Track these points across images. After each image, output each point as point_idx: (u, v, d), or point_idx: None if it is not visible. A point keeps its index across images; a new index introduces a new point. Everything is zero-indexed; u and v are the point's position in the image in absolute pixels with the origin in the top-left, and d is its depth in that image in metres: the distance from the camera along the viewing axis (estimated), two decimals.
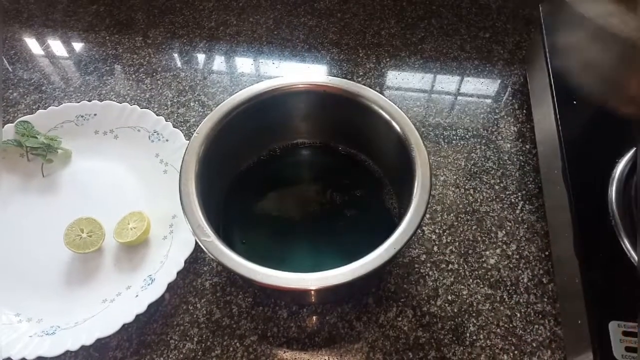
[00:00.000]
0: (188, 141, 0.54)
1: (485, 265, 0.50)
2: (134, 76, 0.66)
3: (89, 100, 0.59)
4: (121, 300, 0.47)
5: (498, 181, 0.56)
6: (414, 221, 0.39)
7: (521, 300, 0.48)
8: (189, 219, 0.39)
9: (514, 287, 0.49)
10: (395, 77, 0.66)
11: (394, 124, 0.45)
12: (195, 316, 0.47)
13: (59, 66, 0.67)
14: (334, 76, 0.65)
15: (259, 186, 0.51)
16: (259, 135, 0.51)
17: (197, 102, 0.63)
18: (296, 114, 0.51)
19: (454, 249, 0.51)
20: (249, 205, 0.50)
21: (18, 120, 0.56)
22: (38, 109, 0.60)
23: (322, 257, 0.47)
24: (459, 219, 0.53)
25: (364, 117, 0.47)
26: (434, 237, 0.52)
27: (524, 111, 0.62)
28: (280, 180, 0.52)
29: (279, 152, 0.53)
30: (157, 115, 0.58)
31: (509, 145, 0.59)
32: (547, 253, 0.51)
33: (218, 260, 0.37)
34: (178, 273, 0.47)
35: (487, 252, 0.51)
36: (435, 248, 0.51)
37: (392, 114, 0.45)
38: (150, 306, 0.45)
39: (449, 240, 0.52)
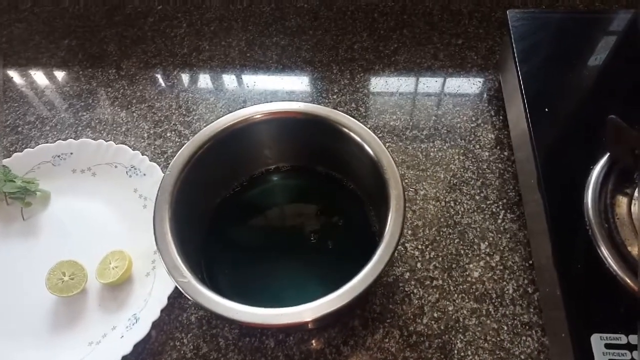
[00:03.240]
0: None
1: (469, 278, 0.50)
2: (109, 110, 0.66)
3: (65, 139, 0.59)
4: (107, 342, 0.47)
5: (478, 191, 0.56)
6: (391, 244, 0.39)
7: (507, 312, 0.48)
8: (164, 260, 0.39)
9: (499, 299, 0.49)
10: (370, 92, 0.66)
11: (366, 147, 0.45)
12: (182, 352, 0.47)
13: (34, 105, 0.67)
14: (309, 95, 0.66)
15: (239, 215, 0.51)
16: (234, 165, 0.51)
17: (173, 132, 0.63)
18: (270, 141, 0.51)
19: (437, 264, 0.51)
20: (230, 236, 0.50)
21: None
22: (15, 151, 0.60)
23: (306, 282, 0.47)
24: (441, 233, 0.53)
25: (338, 140, 0.47)
26: (416, 253, 0.52)
27: (501, 117, 0.62)
28: (260, 206, 0.52)
29: (257, 178, 0.53)
30: (134, 149, 0.58)
31: (487, 154, 0.59)
32: (530, 262, 0.51)
33: (196, 301, 0.37)
34: (162, 310, 0.47)
35: (471, 265, 0.51)
36: (419, 264, 0.51)
37: (363, 136, 0.45)
38: (136, 346, 0.45)
39: (432, 256, 0.52)
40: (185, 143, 0.61)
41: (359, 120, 0.46)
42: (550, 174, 0.47)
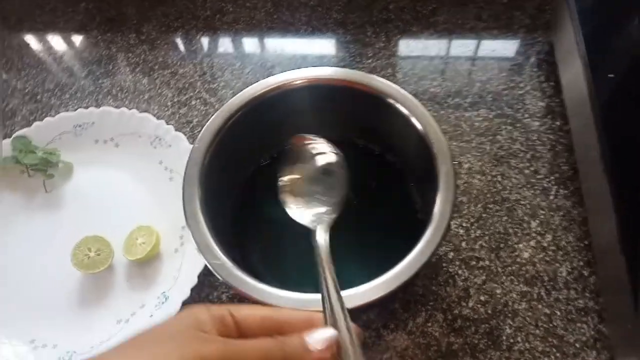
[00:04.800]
0: (192, 145, 0.51)
1: (519, 260, 0.46)
2: (130, 77, 0.62)
3: (86, 108, 0.56)
4: (136, 320, 0.45)
5: (528, 165, 0.52)
6: (441, 225, 0.36)
7: (560, 297, 0.44)
8: (196, 241, 0.37)
9: (552, 283, 0.45)
10: (408, 56, 0.61)
11: (411, 117, 0.41)
12: None
13: (52, 72, 0.64)
14: (341, 60, 0.61)
15: (271, 189, 0.48)
16: (265, 136, 0.47)
17: (198, 100, 0.59)
18: (302, 110, 0.47)
19: (483, 244, 0.47)
20: (261, 211, 0.47)
21: (14, 135, 0.54)
22: (35, 120, 0.58)
23: (344, 262, 0.44)
24: (488, 209, 0.49)
25: (378, 110, 0.43)
26: (461, 231, 0.48)
27: (552, 83, 0.57)
28: None
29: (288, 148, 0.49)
30: (158, 118, 0.55)
31: (537, 123, 0.54)
32: (586, 242, 0.47)
33: (232, 286, 0.35)
34: (192, 289, 0.45)
35: (520, 245, 0.47)
36: (464, 244, 0.48)
37: (408, 106, 0.41)
38: None
39: (478, 235, 0.48)
40: (211, 112, 0.58)
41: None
42: (616, 146, 0.42)
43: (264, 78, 0.59)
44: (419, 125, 0.39)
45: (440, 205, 0.36)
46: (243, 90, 0.44)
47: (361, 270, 0.40)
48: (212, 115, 0.43)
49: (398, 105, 0.41)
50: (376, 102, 0.42)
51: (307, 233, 0.45)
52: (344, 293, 0.32)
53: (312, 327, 0.27)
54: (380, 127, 0.45)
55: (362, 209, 0.46)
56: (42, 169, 0.53)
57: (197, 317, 0.25)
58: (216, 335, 0.25)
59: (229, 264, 0.36)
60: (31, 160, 0.52)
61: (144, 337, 0.25)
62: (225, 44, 0.65)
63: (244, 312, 0.27)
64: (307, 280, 0.42)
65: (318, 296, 0.33)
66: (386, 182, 0.48)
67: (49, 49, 0.67)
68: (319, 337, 0.25)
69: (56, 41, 0.68)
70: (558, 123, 0.54)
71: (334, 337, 0.26)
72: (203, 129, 0.42)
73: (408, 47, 0.62)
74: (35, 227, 0.51)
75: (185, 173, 0.40)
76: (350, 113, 0.46)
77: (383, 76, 0.58)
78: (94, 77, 0.63)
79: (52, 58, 0.66)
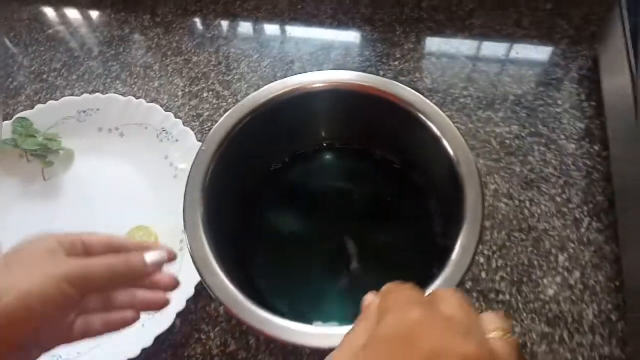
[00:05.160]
0: (199, 143, 0.48)
1: (542, 296, 0.43)
2: (141, 61, 0.59)
3: (92, 92, 0.53)
4: (126, 328, 0.42)
5: (560, 191, 0.48)
6: (463, 262, 0.32)
7: (584, 342, 0.40)
8: (194, 257, 0.34)
9: (576, 325, 0.41)
10: (438, 60, 0.57)
11: (437, 132, 0.37)
12: (208, 347, 0.42)
13: (61, 50, 0.61)
14: (366, 59, 0.57)
15: (279, 198, 0.45)
16: (276, 141, 0.44)
17: (210, 93, 0.56)
18: (319, 116, 0.44)
19: (505, 275, 0.44)
20: (267, 222, 0.44)
21: (16, 116, 0.51)
22: (39, 101, 0.55)
23: (353, 285, 0.41)
24: (512, 238, 0.45)
25: (404, 122, 0.39)
26: (481, 259, 0.45)
27: (593, 103, 0.52)
28: (303, 190, 0.45)
29: (300, 157, 0.46)
30: (166, 109, 0.52)
31: (573, 146, 0.50)
32: (617, 283, 0.43)
33: (233, 314, 0.32)
34: (188, 300, 0.42)
35: (545, 281, 0.43)
36: (483, 274, 0.44)
37: (437, 122, 0.37)
38: (158, 336, 0.40)
39: (499, 265, 0.44)
40: (223, 106, 0.55)
41: (424, 95, 0.38)
42: None
43: (282, 73, 0.57)
44: (449, 148, 0.35)
45: (464, 239, 0.33)
46: (258, 91, 0.40)
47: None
48: (223, 115, 0.39)
49: (428, 123, 0.37)
50: (403, 114, 0.38)
51: (311, 250, 0.42)
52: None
53: (144, 250, 0.31)
54: (403, 140, 0.42)
55: (374, 225, 0.42)
56: (41, 155, 0.50)
57: (46, 243, 0.28)
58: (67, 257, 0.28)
59: (231, 288, 0.32)
60: (31, 145, 0.49)
61: (3, 262, 0.27)
62: (243, 33, 0.61)
63: (90, 237, 0.30)
64: (310, 299, 0.40)
65: (329, 330, 0.30)
66: (403, 198, 0.44)
67: (59, 24, 0.64)
68: (154, 256, 0.31)
69: (68, 17, 0.64)
70: (596, 147, 0.50)
71: (165, 256, 0.32)
72: (211, 132, 0.39)
73: (439, 50, 0.57)
74: (29, 217, 0.49)
75: (188, 178, 0.37)
76: (371, 122, 0.43)
77: (410, 80, 0.54)
78: (103, 59, 0.59)
79: (62, 35, 0.63)
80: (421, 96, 0.38)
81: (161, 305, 0.32)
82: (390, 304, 0.21)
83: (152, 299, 0.31)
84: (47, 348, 0.29)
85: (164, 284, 0.32)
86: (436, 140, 0.37)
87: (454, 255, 0.32)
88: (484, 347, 0.18)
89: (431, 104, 0.38)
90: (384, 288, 0.23)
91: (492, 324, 0.20)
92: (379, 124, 0.42)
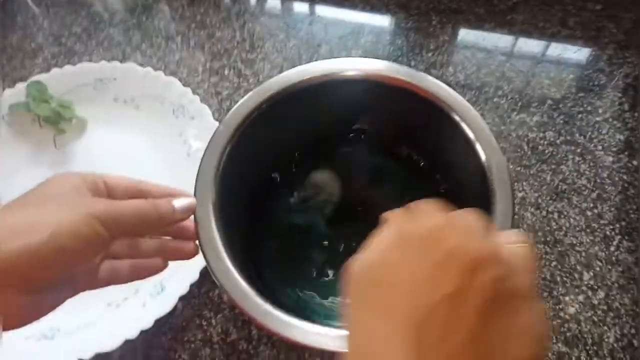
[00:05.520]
0: (216, 122, 0.46)
1: (562, 314, 0.40)
2: (163, 32, 0.57)
3: (110, 61, 0.51)
4: (127, 306, 0.41)
5: (591, 205, 0.45)
6: None
7: None
8: (201, 241, 0.32)
9: (595, 348, 0.39)
10: (474, 56, 0.53)
11: (476, 143, 0.34)
12: (209, 334, 0.41)
13: (82, 14, 0.59)
14: (398, 49, 0.54)
15: (296, 189, 0.43)
16: (295, 130, 0.41)
17: (232, 71, 0.53)
18: (345, 105, 0.41)
19: None
20: (283, 214, 0.42)
21: (30, 80, 0.49)
22: (56, 65, 0.53)
23: None
24: (536, 250, 0.43)
25: (435, 121, 0.37)
26: None
27: (636, 114, 0.49)
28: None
29: (323, 147, 0.44)
30: (185, 84, 0.49)
31: (610, 159, 0.47)
32: None
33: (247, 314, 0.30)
34: (192, 284, 0.40)
35: (567, 298, 0.41)
36: None
37: (474, 128, 0.34)
38: (158, 319, 0.39)
39: None
40: (244, 85, 0.53)
41: (455, 90, 0.35)
42: None
43: (308, 56, 0.54)
44: (482, 155, 0.33)
45: None
46: (281, 74, 0.38)
47: None
48: (243, 95, 0.37)
49: (462, 125, 0.34)
50: (435, 113, 0.36)
51: (325, 249, 0.40)
52: None
53: (169, 196, 0.30)
54: (431, 139, 0.39)
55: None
56: (54, 122, 0.48)
57: (72, 182, 0.27)
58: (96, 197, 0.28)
59: (236, 276, 0.31)
60: (44, 111, 0.47)
61: (29, 198, 0.27)
62: (271, 11, 0.58)
63: (114, 179, 0.30)
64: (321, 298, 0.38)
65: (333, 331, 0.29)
66: (418, 190, 0.41)
67: None
68: (183, 202, 0.30)
69: None
70: (635, 162, 0.46)
71: (194, 203, 0.31)
72: (230, 112, 0.36)
73: (476, 45, 0.54)
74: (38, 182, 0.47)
75: (202, 158, 0.35)
76: (400, 117, 0.40)
77: (442, 74, 0.52)
78: (124, 27, 0.58)
79: None
80: (460, 97, 0.35)
81: (190, 254, 0.31)
82: (417, 213, 0.23)
83: (181, 248, 0.31)
84: (73, 293, 0.28)
85: (192, 232, 0.31)
86: (468, 143, 0.34)
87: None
88: (497, 250, 0.19)
89: (470, 106, 0.35)
90: (410, 204, 0.24)
91: (512, 237, 0.21)
92: (409, 119, 0.40)
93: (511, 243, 0.21)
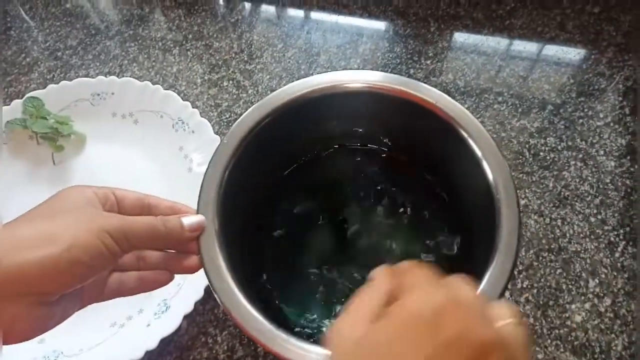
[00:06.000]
0: (216, 135, 0.46)
1: (568, 323, 0.40)
2: (160, 44, 0.56)
3: (107, 75, 0.51)
4: (131, 326, 0.41)
5: (595, 211, 0.45)
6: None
7: None
8: (204, 260, 0.31)
9: (603, 356, 0.39)
10: (474, 62, 0.53)
11: (483, 161, 0.33)
12: (214, 352, 0.41)
13: (77, 27, 0.58)
14: (397, 57, 0.54)
15: (297, 200, 0.42)
16: (297, 141, 0.41)
17: (231, 82, 0.53)
18: (347, 117, 0.41)
19: (530, 298, 0.41)
20: (283, 227, 0.41)
21: (27, 95, 0.49)
22: (52, 80, 0.53)
23: None
24: (541, 258, 0.43)
25: (437, 133, 0.36)
26: None
27: (637, 118, 0.49)
28: (322, 195, 0.43)
29: (322, 158, 0.43)
30: (184, 97, 0.49)
31: (613, 164, 0.47)
32: None
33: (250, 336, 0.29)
34: (196, 302, 0.40)
35: (573, 306, 0.41)
36: (507, 294, 0.42)
37: (480, 143, 0.34)
38: (163, 338, 0.39)
39: (525, 286, 0.42)
40: (243, 97, 0.52)
41: (455, 98, 0.35)
42: None
43: (307, 65, 0.54)
44: (489, 172, 0.32)
45: (493, 276, 0.30)
46: (285, 87, 0.37)
47: None
48: (242, 106, 0.37)
49: (469, 141, 0.33)
50: (440, 125, 0.35)
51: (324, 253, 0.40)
52: None
53: (175, 212, 0.31)
54: (434, 150, 0.39)
55: (393, 236, 0.40)
56: (52, 139, 0.48)
57: (84, 194, 0.28)
58: (108, 212, 0.28)
59: (241, 299, 0.30)
60: (41, 128, 0.47)
61: (43, 211, 0.27)
62: (268, 19, 0.58)
63: (122, 192, 0.30)
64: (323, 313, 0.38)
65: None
66: (425, 210, 0.41)
67: (77, 0, 0.61)
68: (193, 220, 0.30)
69: None
70: (638, 167, 0.46)
71: (203, 221, 0.31)
72: (234, 126, 0.36)
73: (475, 50, 0.54)
74: (36, 202, 0.47)
75: (206, 174, 0.35)
76: (401, 127, 0.40)
77: (442, 82, 0.51)
78: (121, 39, 0.57)
79: (79, 10, 0.60)
80: (464, 109, 0.35)
81: (193, 268, 0.31)
82: (408, 282, 0.22)
83: (185, 261, 0.31)
84: (81, 305, 0.29)
85: (195, 247, 0.31)
86: (475, 163, 0.34)
87: (482, 285, 0.30)
88: (499, 334, 0.19)
89: (475, 119, 0.34)
90: (400, 265, 0.23)
91: (504, 313, 0.21)
92: (409, 130, 0.39)
93: (506, 320, 0.20)
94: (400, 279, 0.22)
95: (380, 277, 0.23)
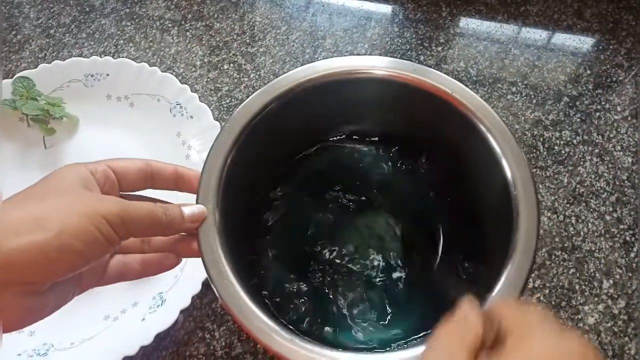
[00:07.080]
0: (215, 122, 0.44)
1: (581, 325, 0.39)
2: (158, 23, 0.53)
3: (102, 54, 0.48)
4: (125, 320, 0.39)
5: (610, 209, 0.43)
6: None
7: None
8: (204, 257, 0.29)
9: None
10: (487, 49, 0.51)
11: (502, 159, 0.31)
12: (212, 347, 0.39)
13: (71, 3, 0.55)
14: (406, 42, 0.51)
15: (302, 195, 0.40)
16: (301, 130, 0.39)
17: (232, 65, 0.51)
18: (355, 105, 0.38)
19: (542, 298, 0.40)
20: (286, 224, 0.39)
21: (17, 75, 0.46)
22: (44, 58, 0.50)
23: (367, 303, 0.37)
24: (553, 257, 0.41)
25: (453, 126, 0.34)
26: None
27: None
28: (326, 189, 0.40)
29: (329, 149, 0.41)
30: (182, 80, 0.47)
31: (630, 160, 0.45)
32: None
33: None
34: (194, 296, 0.38)
35: (586, 308, 0.39)
36: None
37: (498, 138, 0.31)
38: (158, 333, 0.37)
39: (536, 285, 0.40)
40: (244, 81, 0.50)
41: (470, 88, 0.33)
42: None
43: (311, 49, 0.51)
44: (507, 170, 0.30)
45: (505, 286, 0.28)
46: (292, 71, 0.35)
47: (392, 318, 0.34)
48: (244, 91, 0.35)
49: (488, 135, 0.31)
50: (457, 117, 0.33)
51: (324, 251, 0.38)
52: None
53: (179, 177, 0.30)
54: (448, 142, 0.37)
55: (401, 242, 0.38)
56: (43, 121, 0.46)
57: (80, 174, 0.26)
58: (104, 194, 0.26)
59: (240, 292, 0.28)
60: (32, 109, 0.44)
61: (35, 192, 0.25)
62: (271, 1, 0.55)
63: (122, 164, 0.28)
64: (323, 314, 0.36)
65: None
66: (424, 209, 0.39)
67: None
68: (193, 210, 0.28)
69: None
70: None
71: (204, 212, 0.29)
72: (237, 111, 0.34)
73: (489, 37, 0.52)
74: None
75: (206, 162, 0.32)
76: (417, 121, 0.37)
77: (453, 70, 0.49)
78: (117, 17, 0.54)
79: None
80: (484, 103, 0.32)
81: (198, 252, 0.30)
82: (518, 324, 0.20)
83: (195, 245, 0.29)
84: (80, 290, 0.27)
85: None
86: (494, 161, 0.32)
87: (495, 292, 0.28)
88: None
89: (494, 113, 0.32)
90: (501, 302, 0.22)
91: None
92: (421, 119, 0.37)
93: None
94: (505, 318, 0.20)
95: (470, 312, 0.21)
